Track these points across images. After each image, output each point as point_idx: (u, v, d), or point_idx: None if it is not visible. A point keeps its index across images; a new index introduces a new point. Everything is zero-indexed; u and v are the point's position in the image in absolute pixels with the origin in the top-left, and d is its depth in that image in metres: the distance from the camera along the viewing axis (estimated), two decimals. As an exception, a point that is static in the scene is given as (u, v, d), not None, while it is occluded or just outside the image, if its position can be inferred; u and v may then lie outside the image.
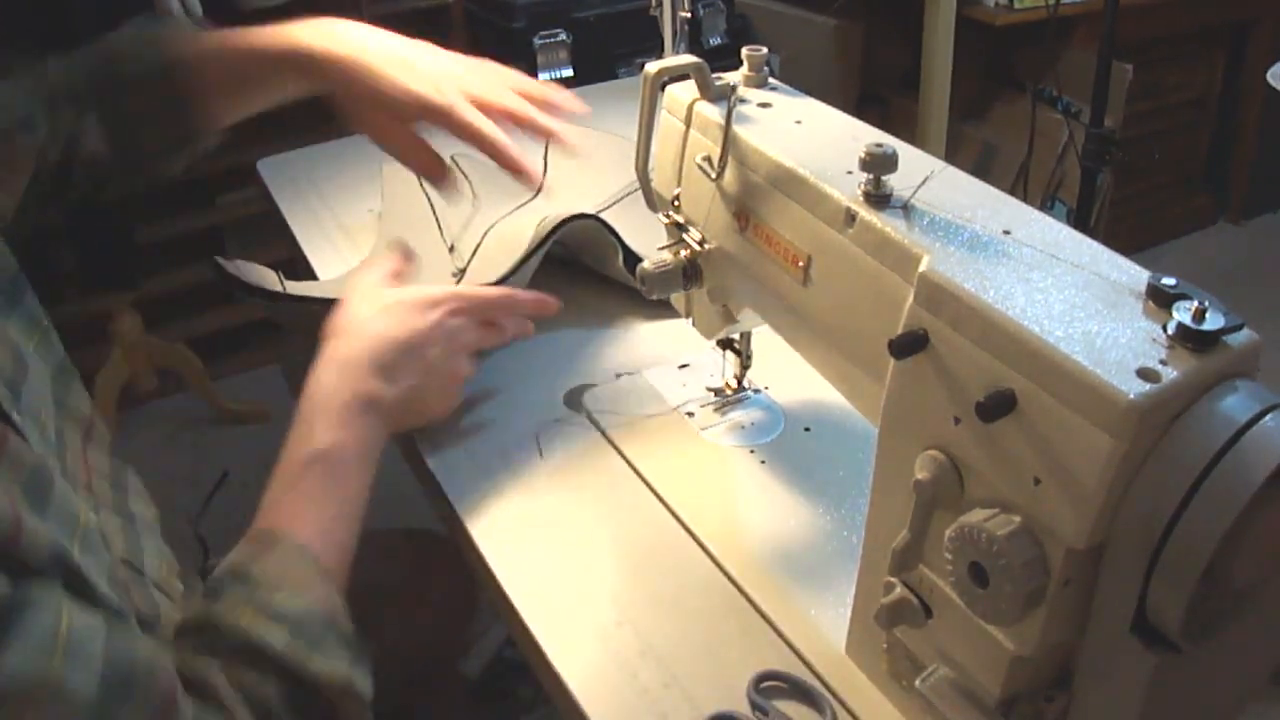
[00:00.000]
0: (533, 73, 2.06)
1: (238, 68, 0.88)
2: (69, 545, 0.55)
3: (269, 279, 0.97)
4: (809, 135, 0.69)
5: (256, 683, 0.59)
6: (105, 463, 0.78)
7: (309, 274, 1.10)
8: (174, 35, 0.89)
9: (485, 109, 0.84)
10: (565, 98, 0.90)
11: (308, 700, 0.60)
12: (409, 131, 0.88)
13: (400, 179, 1.14)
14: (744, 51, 0.74)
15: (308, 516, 0.69)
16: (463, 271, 1.01)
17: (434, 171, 0.90)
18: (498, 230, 1.06)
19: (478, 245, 1.04)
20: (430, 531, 1.11)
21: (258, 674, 0.59)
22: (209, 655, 0.60)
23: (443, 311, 0.81)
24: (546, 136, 0.86)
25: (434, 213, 1.10)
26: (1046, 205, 2.40)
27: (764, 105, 0.72)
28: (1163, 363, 0.46)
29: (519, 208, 1.10)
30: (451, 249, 1.05)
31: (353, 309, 0.81)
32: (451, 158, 1.12)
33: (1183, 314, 0.47)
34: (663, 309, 0.98)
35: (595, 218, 0.97)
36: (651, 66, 0.73)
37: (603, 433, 0.87)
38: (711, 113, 0.72)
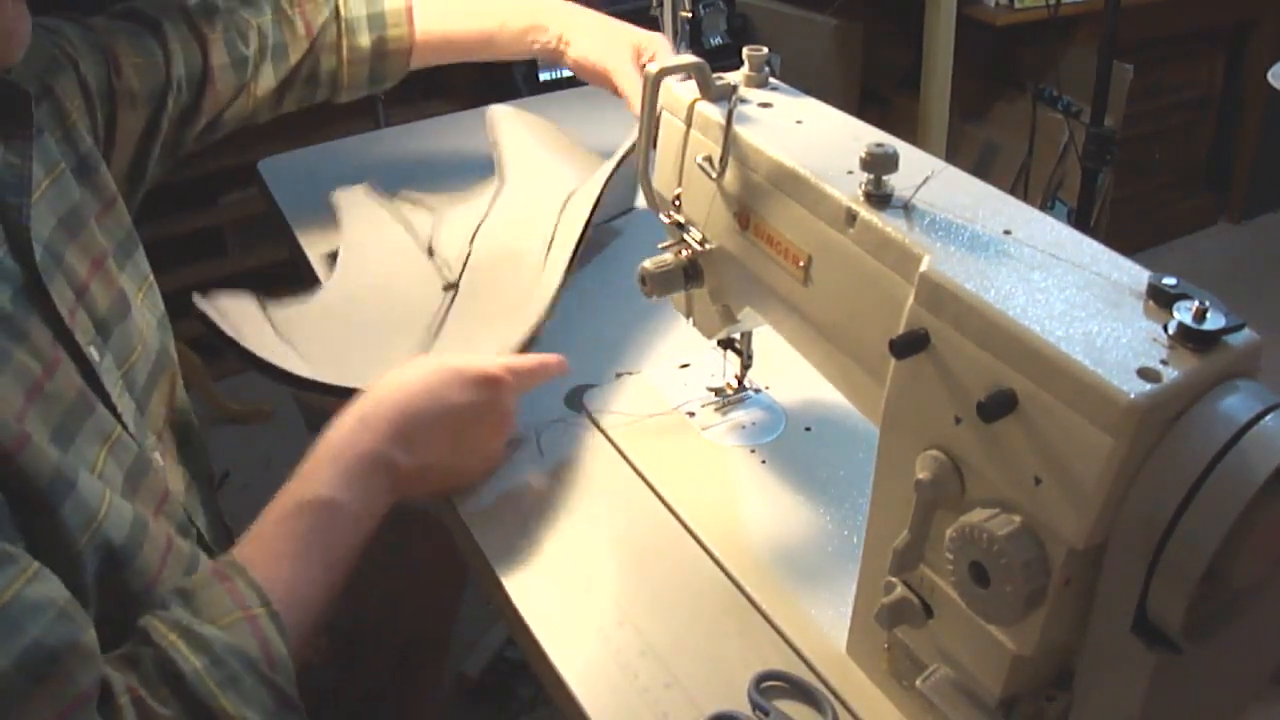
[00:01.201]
0: (533, 73, 2.06)
1: (473, 51, 1.13)
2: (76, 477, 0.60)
3: (250, 317, 0.90)
4: (810, 135, 0.69)
5: (160, 704, 0.57)
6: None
7: (309, 274, 1.10)
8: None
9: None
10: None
11: None
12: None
13: (353, 200, 1.13)
14: (745, 51, 0.74)
15: (280, 563, 0.66)
16: (455, 285, 0.99)
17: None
18: (488, 238, 1.03)
19: (467, 256, 1.01)
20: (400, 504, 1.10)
21: (166, 694, 0.57)
22: (129, 667, 0.58)
23: (495, 392, 0.78)
24: None
25: (398, 221, 1.08)
26: (1047, 205, 2.40)
27: (765, 105, 0.72)
28: (1163, 363, 0.46)
29: (492, 204, 1.08)
30: (431, 252, 1.03)
31: (404, 369, 0.77)
32: (338, 195, 1.14)
33: (1183, 314, 0.47)
34: (664, 309, 0.98)
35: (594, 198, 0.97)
36: (652, 66, 0.73)
37: (603, 432, 0.87)
38: (712, 112, 0.72)
